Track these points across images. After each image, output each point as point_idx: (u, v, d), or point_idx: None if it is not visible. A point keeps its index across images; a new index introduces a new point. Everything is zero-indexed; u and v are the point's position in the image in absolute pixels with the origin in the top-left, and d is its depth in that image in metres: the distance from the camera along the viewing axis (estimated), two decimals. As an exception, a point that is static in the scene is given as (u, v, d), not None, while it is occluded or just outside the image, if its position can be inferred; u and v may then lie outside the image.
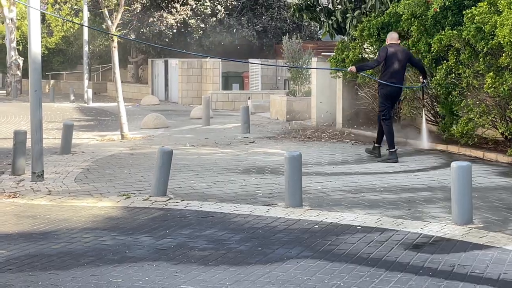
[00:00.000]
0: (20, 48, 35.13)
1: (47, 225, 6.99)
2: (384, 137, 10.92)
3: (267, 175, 9.67)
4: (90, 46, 32.02)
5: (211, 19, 27.85)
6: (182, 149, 12.38)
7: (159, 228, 6.71)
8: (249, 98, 22.18)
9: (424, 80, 11.33)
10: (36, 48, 9.63)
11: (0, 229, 6.85)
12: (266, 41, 28.44)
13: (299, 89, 18.70)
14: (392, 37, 11.02)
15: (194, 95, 26.00)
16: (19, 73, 33.41)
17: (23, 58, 32.93)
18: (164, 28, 27.66)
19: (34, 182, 9.37)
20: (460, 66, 11.11)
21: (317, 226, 6.66)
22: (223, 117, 19.77)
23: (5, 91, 34.57)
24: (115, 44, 14.69)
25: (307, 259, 5.60)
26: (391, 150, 10.76)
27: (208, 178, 9.47)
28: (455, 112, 11.67)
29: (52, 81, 36.80)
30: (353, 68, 11.36)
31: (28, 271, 5.39)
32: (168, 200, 7.99)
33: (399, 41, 11.24)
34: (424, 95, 12.05)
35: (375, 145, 11.15)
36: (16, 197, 8.54)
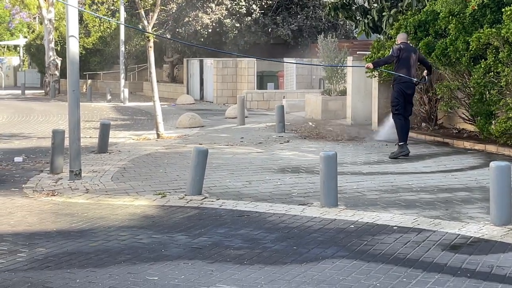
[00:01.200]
0: (58, 49, 35.69)
1: (85, 223, 7.08)
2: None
3: (302, 174, 9.64)
4: (127, 46, 32.36)
5: (246, 19, 27.90)
6: (217, 148, 12.42)
7: (195, 227, 6.74)
8: (284, 98, 22.16)
9: (427, 76, 11.74)
10: (74, 48, 9.76)
11: (39, 227, 6.97)
12: (301, 40, 28.38)
13: (334, 88, 18.61)
14: (402, 37, 11.45)
15: (229, 95, 26.06)
16: (57, 73, 33.95)
17: (61, 58, 33.45)
18: (199, 27, 27.80)
19: (72, 181, 9.50)
20: (499, 65, 10.93)
21: (352, 226, 6.62)
22: (258, 116, 19.79)
23: (43, 91, 35.16)
24: (151, 44, 14.81)
25: (343, 259, 5.57)
26: (400, 143, 10.95)
27: (243, 177, 9.48)
28: (493, 111, 11.50)
29: (89, 81, 37.30)
30: (370, 65, 11.77)
31: (66, 268, 5.46)
32: (204, 199, 8.03)
33: (408, 41, 11.85)
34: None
35: (399, 144, 11.06)
36: (54, 195, 8.67)
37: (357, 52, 18.41)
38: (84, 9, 36.19)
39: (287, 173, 9.73)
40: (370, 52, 14.71)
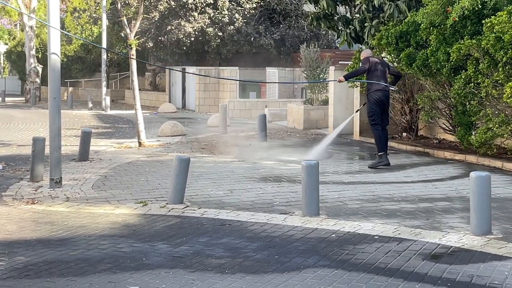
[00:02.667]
0: (39, 56, 35.49)
1: (65, 231, 7.03)
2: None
3: (284, 183, 9.65)
4: (109, 54, 32.26)
5: (229, 28, 27.96)
6: (199, 157, 12.40)
7: (176, 236, 6.72)
8: (266, 107, 22.21)
9: (395, 87, 11.86)
10: (55, 55, 9.71)
11: (18, 235, 6.90)
12: (284, 50, 28.48)
13: (316, 98, 18.69)
14: (368, 52, 11.62)
15: (211, 103, 26.07)
16: (38, 80, 33.73)
17: (42, 66, 33.26)
18: (182, 36, 27.79)
19: (52, 189, 9.42)
20: (479, 76, 11.04)
21: (334, 235, 6.64)
22: (240, 125, 19.79)
23: (24, 98, 34.91)
24: (133, 52, 14.78)
25: (324, 268, 5.58)
26: (379, 154, 11.01)
27: (225, 186, 9.47)
28: (473, 122, 11.60)
29: (70, 89, 37.10)
30: (341, 78, 11.75)
31: (45, 277, 5.41)
32: (185, 207, 8.00)
33: (375, 55, 12.09)
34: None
35: (379, 154, 11.08)
36: (34, 204, 8.59)
37: (339, 62, 18.53)
38: (66, 16, 36.07)
39: (269, 182, 9.73)
40: (352, 62, 14.80)
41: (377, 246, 6.22)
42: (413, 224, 7.06)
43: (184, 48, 28.40)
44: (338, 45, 23.21)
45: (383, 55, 13.78)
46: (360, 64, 11.50)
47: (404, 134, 14.25)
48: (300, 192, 7.87)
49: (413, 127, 14.10)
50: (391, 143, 13.70)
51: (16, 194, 9.21)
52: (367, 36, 15.02)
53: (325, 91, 18.52)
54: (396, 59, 13.15)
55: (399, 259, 5.80)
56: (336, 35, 17.49)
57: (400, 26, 13.31)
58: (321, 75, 18.50)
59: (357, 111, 13.35)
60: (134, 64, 14.94)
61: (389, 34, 13.23)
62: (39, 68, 33.61)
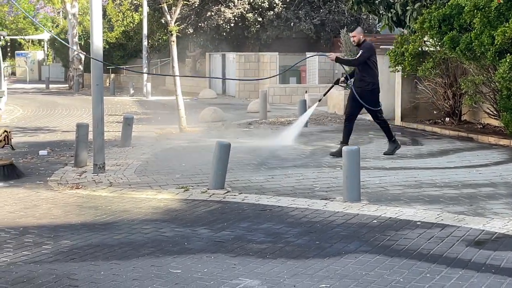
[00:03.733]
0: (82, 43, 35.93)
1: (109, 216, 7.14)
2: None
3: (324, 169, 9.62)
4: (149, 41, 32.48)
5: (269, 13, 27.88)
6: (239, 142, 12.43)
7: (217, 221, 6.77)
8: (306, 92, 22.12)
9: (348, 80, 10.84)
10: (97, 42, 9.82)
11: (63, 220, 7.04)
12: (324, 35, 28.29)
13: (357, 83, 18.50)
14: (360, 31, 10.65)
15: (251, 89, 26.07)
16: (81, 67, 34.21)
17: (84, 53, 33.65)
18: (221, 22, 27.83)
19: (96, 174, 9.57)
20: (525, 59, 10.80)
21: (375, 221, 6.60)
22: (280, 110, 19.77)
23: (67, 85, 35.46)
24: (174, 38, 14.86)
25: (366, 254, 5.55)
26: (392, 140, 10.70)
27: (265, 171, 9.49)
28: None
29: (112, 75, 37.50)
30: (332, 56, 10.76)
31: (90, 261, 5.51)
32: (226, 193, 8.05)
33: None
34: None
35: (390, 141, 10.80)
36: (78, 188, 8.75)
37: (380, 47, 18.27)
38: (108, 3, 36.40)
39: (309, 168, 9.71)
40: (393, 47, 14.61)
41: (419, 232, 6.16)
42: (456, 210, 6.97)
43: (224, 34, 28.43)
44: (379, 30, 22.92)
45: (425, 39, 13.58)
46: (361, 52, 10.28)
47: (447, 119, 14.05)
48: (341, 177, 7.84)
49: (456, 112, 13.89)
50: (433, 128, 13.54)
51: (61, 179, 9.39)
52: (409, 19, 14.79)
53: (366, 76, 18.31)
54: (439, 43, 12.94)
55: (442, 245, 5.74)
56: (377, 20, 17.29)
57: (443, 9, 13.08)
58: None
59: (319, 100, 12.49)
60: (174, 51, 15.02)
61: (432, 18, 13.01)
62: (82, 55, 34.05)
